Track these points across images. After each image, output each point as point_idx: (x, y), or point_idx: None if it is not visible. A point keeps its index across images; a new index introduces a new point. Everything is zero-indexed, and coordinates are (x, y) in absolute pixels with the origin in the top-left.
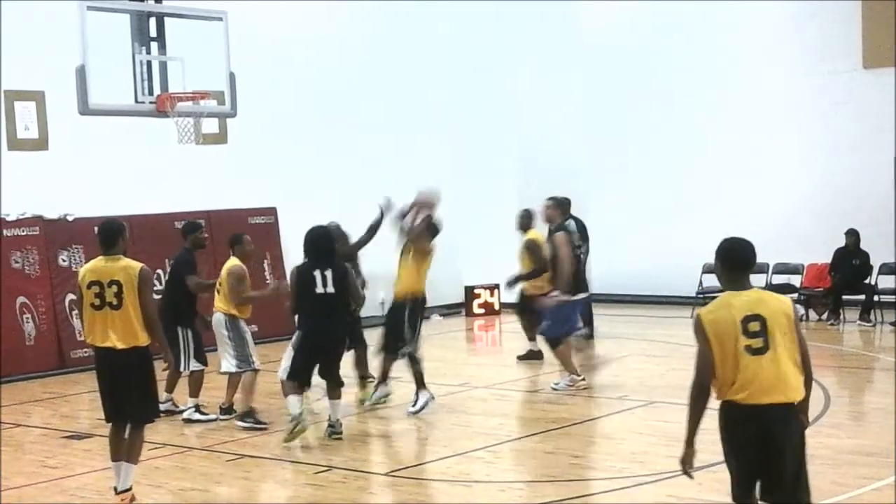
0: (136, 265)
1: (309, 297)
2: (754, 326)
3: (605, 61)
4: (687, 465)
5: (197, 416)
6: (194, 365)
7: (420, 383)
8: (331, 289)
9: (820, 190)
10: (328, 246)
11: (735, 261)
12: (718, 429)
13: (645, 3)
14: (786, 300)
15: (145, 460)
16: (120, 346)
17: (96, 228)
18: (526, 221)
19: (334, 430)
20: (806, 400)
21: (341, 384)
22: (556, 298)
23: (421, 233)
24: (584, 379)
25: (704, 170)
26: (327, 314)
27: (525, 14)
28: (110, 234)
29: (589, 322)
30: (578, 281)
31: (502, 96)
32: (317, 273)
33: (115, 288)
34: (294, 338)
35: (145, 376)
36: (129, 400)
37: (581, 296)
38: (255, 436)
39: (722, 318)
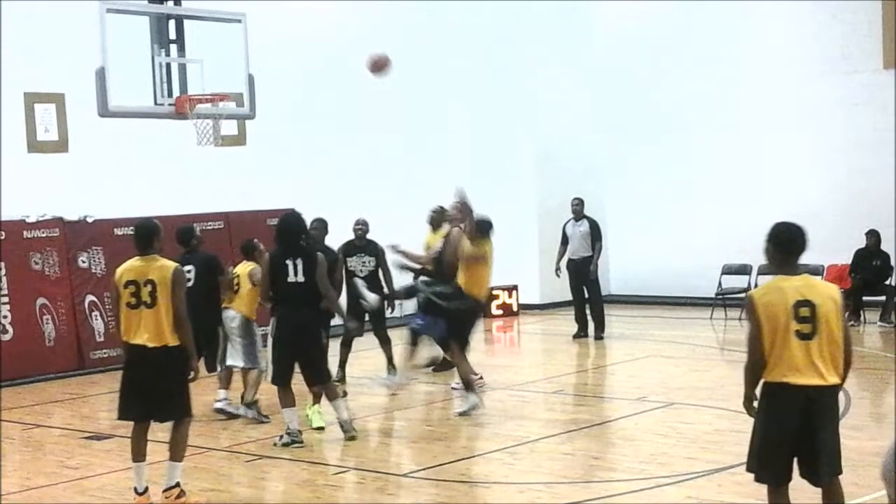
0: (171, 265)
1: (281, 286)
2: (805, 312)
3: (622, 60)
4: (749, 408)
5: (230, 409)
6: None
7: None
8: (301, 277)
9: (840, 190)
10: (299, 233)
11: (788, 244)
12: (759, 409)
13: (662, 1)
14: (833, 286)
15: (165, 460)
16: (151, 344)
17: (132, 229)
18: (439, 217)
19: (345, 431)
20: (843, 382)
21: (328, 379)
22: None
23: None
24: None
25: (723, 170)
26: (298, 303)
27: (540, 13)
28: (146, 235)
29: (601, 325)
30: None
31: (519, 96)
32: (289, 262)
33: (149, 287)
34: (270, 325)
35: (175, 375)
36: (157, 397)
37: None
38: (273, 436)
39: (774, 302)
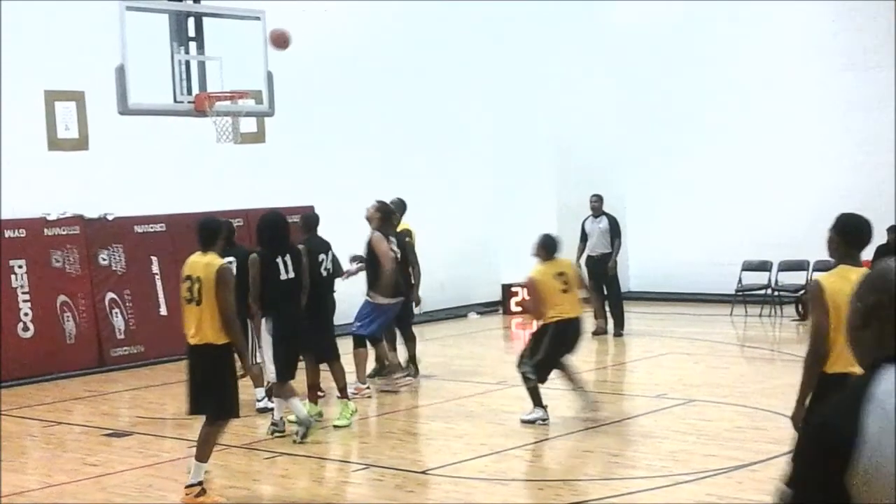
0: (217, 263)
1: (275, 285)
2: None
3: (641, 57)
4: (797, 422)
5: (272, 404)
6: (260, 358)
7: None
8: (291, 274)
9: (860, 186)
10: (284, 232)
11: (854, 234)
12: (815, 399)
13: None
14: None
15: (185, 458)
16: (194, 341)
17: (196, 225)
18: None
19: (277, 429)
20: None
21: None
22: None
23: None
24: (368, 388)
25: (742, 166)
26: (292, 298)
27: (560, 8)
28: (209, 233)
29: (620, 322)
30: (393, 285)
31: (537, 93)
32: (279, 260)
33: (198, 284)
34: (265, 324)
35: (215, 374)
36: (201, 395)
37: (394, 300)
38: (291, 434)
39: (842, 290)
